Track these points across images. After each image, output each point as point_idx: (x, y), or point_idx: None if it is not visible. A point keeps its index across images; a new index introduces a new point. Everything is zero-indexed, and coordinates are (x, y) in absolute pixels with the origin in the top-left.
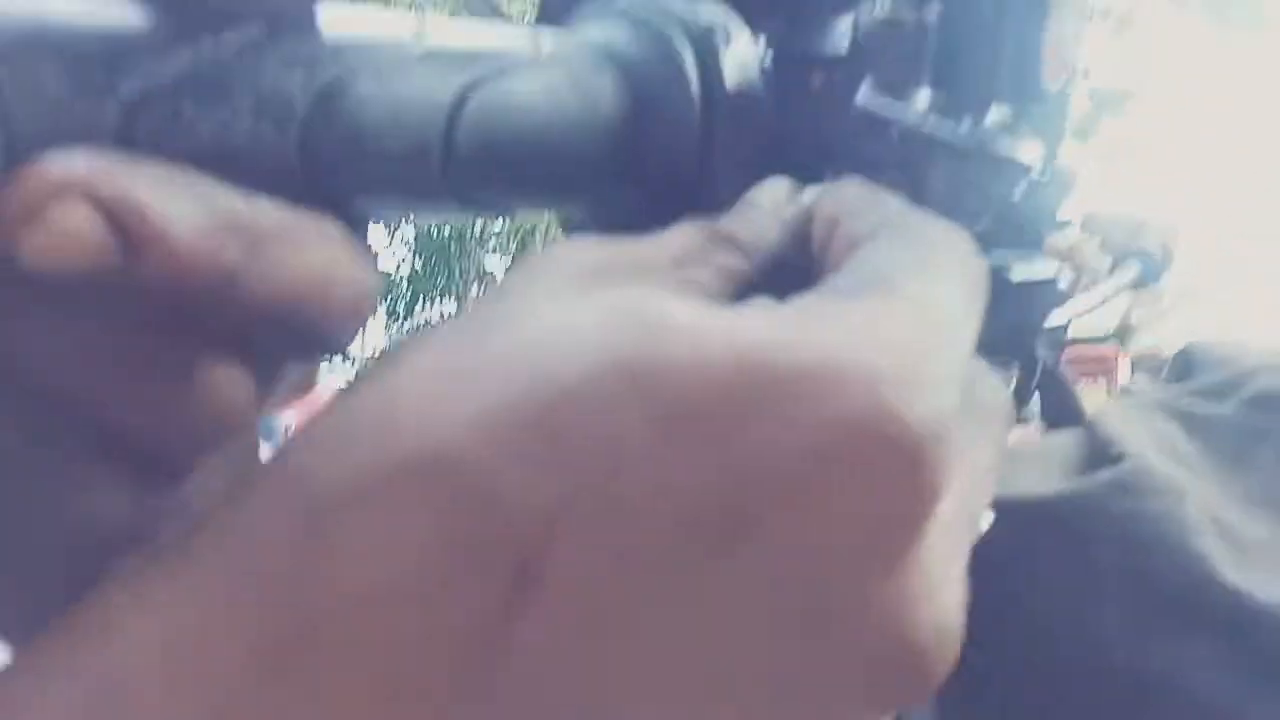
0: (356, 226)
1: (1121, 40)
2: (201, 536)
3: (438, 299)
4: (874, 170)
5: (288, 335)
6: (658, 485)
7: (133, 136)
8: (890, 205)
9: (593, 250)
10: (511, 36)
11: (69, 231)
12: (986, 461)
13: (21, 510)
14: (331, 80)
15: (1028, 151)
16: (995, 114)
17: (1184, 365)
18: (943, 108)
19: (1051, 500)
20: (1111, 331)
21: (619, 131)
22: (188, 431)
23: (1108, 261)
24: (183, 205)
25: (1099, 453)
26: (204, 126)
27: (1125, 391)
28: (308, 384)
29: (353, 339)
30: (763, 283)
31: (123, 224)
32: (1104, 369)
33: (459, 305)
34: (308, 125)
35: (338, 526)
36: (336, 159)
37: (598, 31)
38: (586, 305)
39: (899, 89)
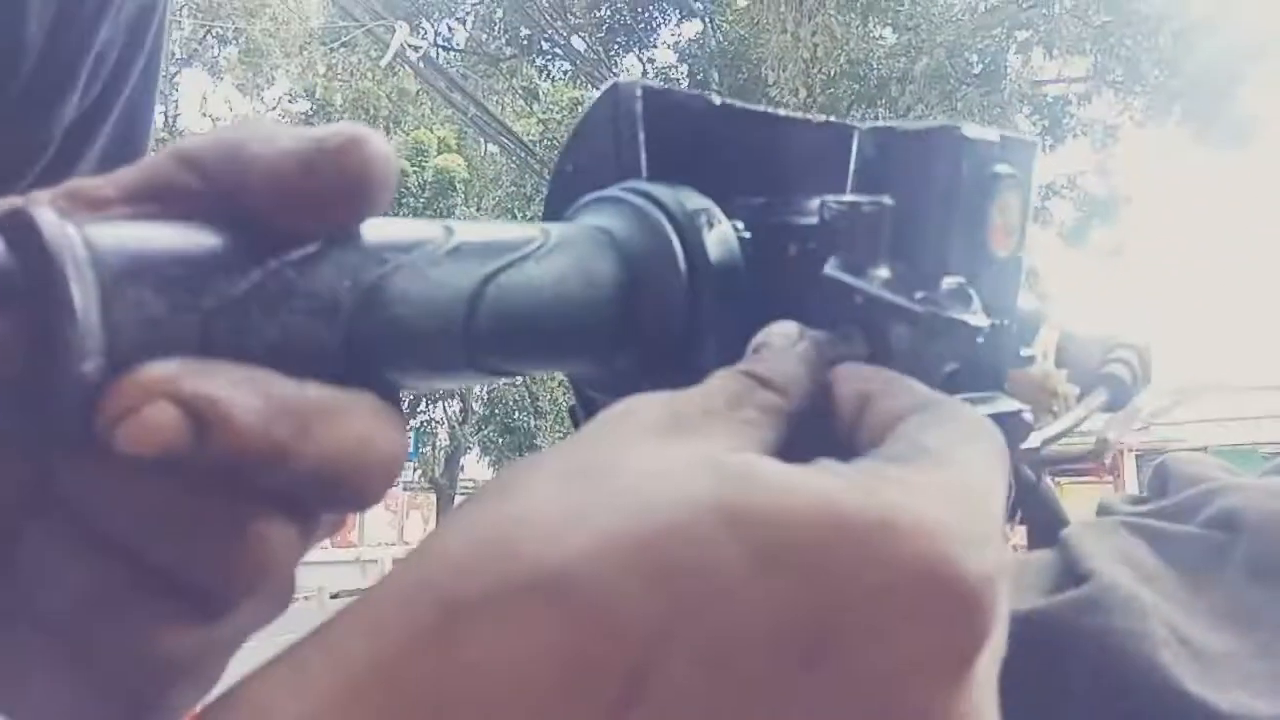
0: (390, 396)
1: (1107, 152)
2: (337, 626)
3: (440, 401)
4: (840, 332)
5: (329, 494)
6: (752, 609)
7: (210, 341)
8: (918, 387)
9: (663, 404)
10: (525, 230)
11: (158, 426)
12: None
13: (87, 639)
14: (373, 281)
15: (976, 315)
16: (949, 282)
17: (1159, 480)
18: (901, 279)
19: (1025, 617)
20: (1089, 448)
21: (617, 304)
22: (239, 577)
23: (1075, 390)
24: (244, 396)
25: (1069, 571)
26: (269, 328)
27: (1100, 509)
28: (339, 527)
29: (382, 496)
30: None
31: (197, 414)
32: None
33: (462, 408)
34: (352, 320)
35: (469, 628)
36: (375, 345)
37: (596, 219)
38: (678, 454)
39: (862, 264)
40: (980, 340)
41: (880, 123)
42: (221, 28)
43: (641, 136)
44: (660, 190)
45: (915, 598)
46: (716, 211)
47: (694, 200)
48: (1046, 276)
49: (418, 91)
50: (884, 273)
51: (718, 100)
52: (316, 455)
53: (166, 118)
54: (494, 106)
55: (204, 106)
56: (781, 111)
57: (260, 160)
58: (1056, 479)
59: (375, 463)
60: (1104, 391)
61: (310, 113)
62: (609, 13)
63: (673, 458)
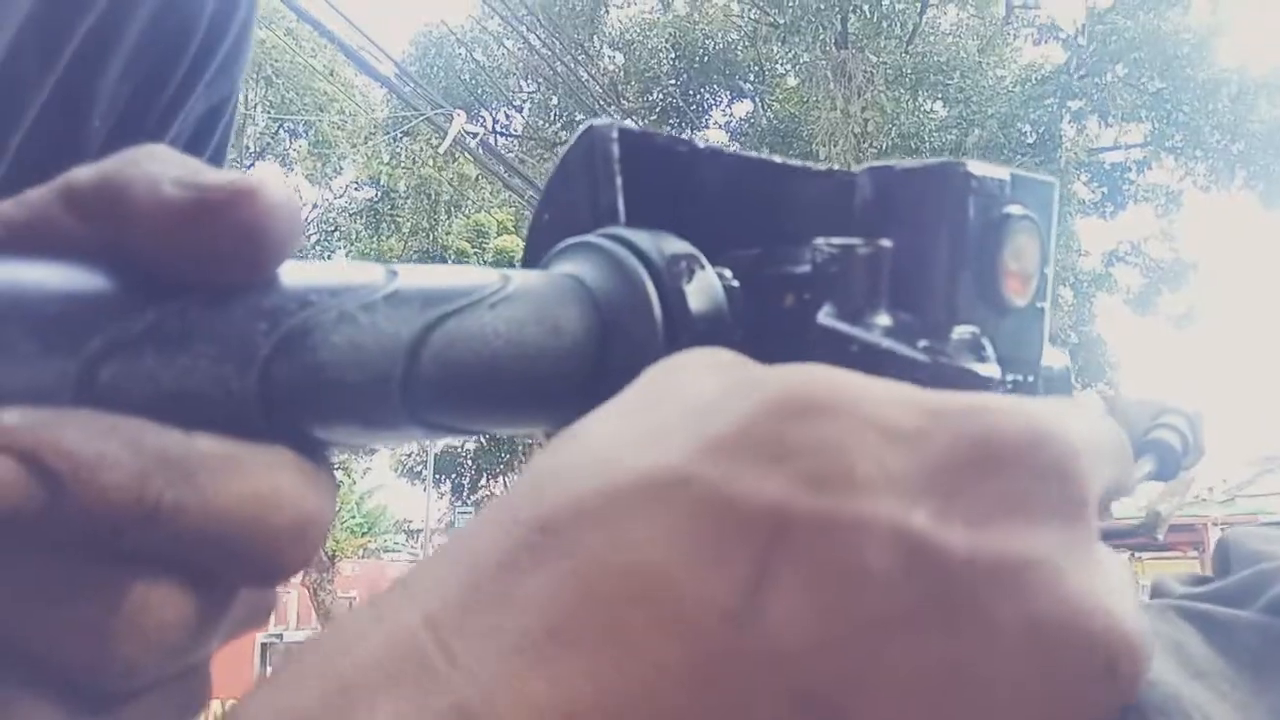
0: (317, 454)
1: (1171, 218)
2: (416, 573)
3: (501, 476)
4: None
5: (230, 560)
6: (867, 476)
7: (93, 387)
8: None
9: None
10: (482, 275)
11: None
12: None
13: None
14: (295, 326)
15: (986, 367)
16: (959, 331)
17: (1222, 557)
18: (904, 327)
19: None
20: (1140, 521)
21: (586, 356)
22: (120, 655)
23: None
24: (108, 447)
25: None
26: (165, 375)
27: (1154, 590)
28: (266, 610)
29: (300, 564)
30: None
31: (46, 469)
32: (1194, 540)
33: None
34: (268, 367)
35: (564, 541)
36: (296, 396)
37: (568, 266)
38: (775, 372)
39: (859, 311)
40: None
41: (880, 162)
42: (293, 122)
43: (619, 180)
44: (637, 236)
45: (1014, 458)
46: (700, 258)
47: (674, 246)
48: (1114, 344)
49: (477, 176)
50: (884, 320)
51: (702, 144)
52: (204, 514)
53: None
54: None
55: None
56: (778, 158)
57: (141, 210)
58: (1135, 555)
59: (284, 525)
60: (1150, 460)
61: (376, 199)
62: (660, 96)
63: (754, 369)
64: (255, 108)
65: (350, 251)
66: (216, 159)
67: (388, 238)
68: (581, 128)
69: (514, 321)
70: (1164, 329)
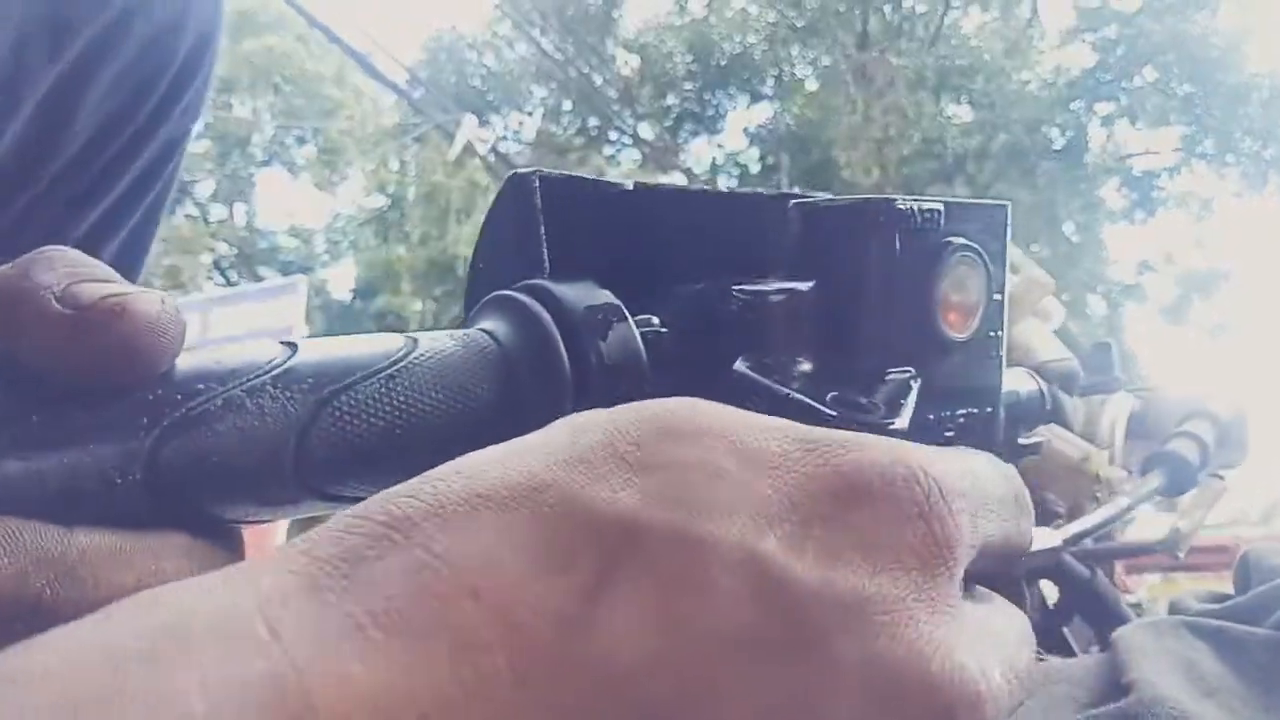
0: (219, 529)
1: (1204, 225)
2: (282, 547)
3: None
4: None
5: None
6: (721, 496)
7: None
8: None
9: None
10: (386, 343)
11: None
12: None
13: None
14: (179, 417)
15: (899, 420)
16: (893, 374)
17: (1242, 574)
18: (826, 373)
19: None
20: (1160, 540)
21: (494, 415)
22: None
23: (1122, 474)
24: None
25: (1111, 681)
26: (53, 473)
27: (1172, 608)
28: None
29: None
30: None
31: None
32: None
33: None
34: (153, 460)
35: (417, 535)
36: (184, 484)
37: (488, 321)
38: (646, 402)
39: (778, 357)
40: (949, 434)
41: (809, 197)
42: (300, 128)
43: (542, 230)
44: (556, 288)
45: (874, 496)
46: (617, 308)
47: (592, 298)
48: (1146, 357)
49: (488, 184)
50: (805, 367)
51: (630, 185)
52: (87, 607)
53: (247, 216)
54: None
55: (283, 204)
56: (710, 188)
57: (30, 323)
58: (1167, 574)
59: None
60: (1159, 475)
61: (385, 207)
62: (677, 100)
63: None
64: (263, 115)
65: (359, 260)
66: (165, 191)
67: (396, 246)
68: (507, 176)
69: (414, 389)
70: (1198, 340)
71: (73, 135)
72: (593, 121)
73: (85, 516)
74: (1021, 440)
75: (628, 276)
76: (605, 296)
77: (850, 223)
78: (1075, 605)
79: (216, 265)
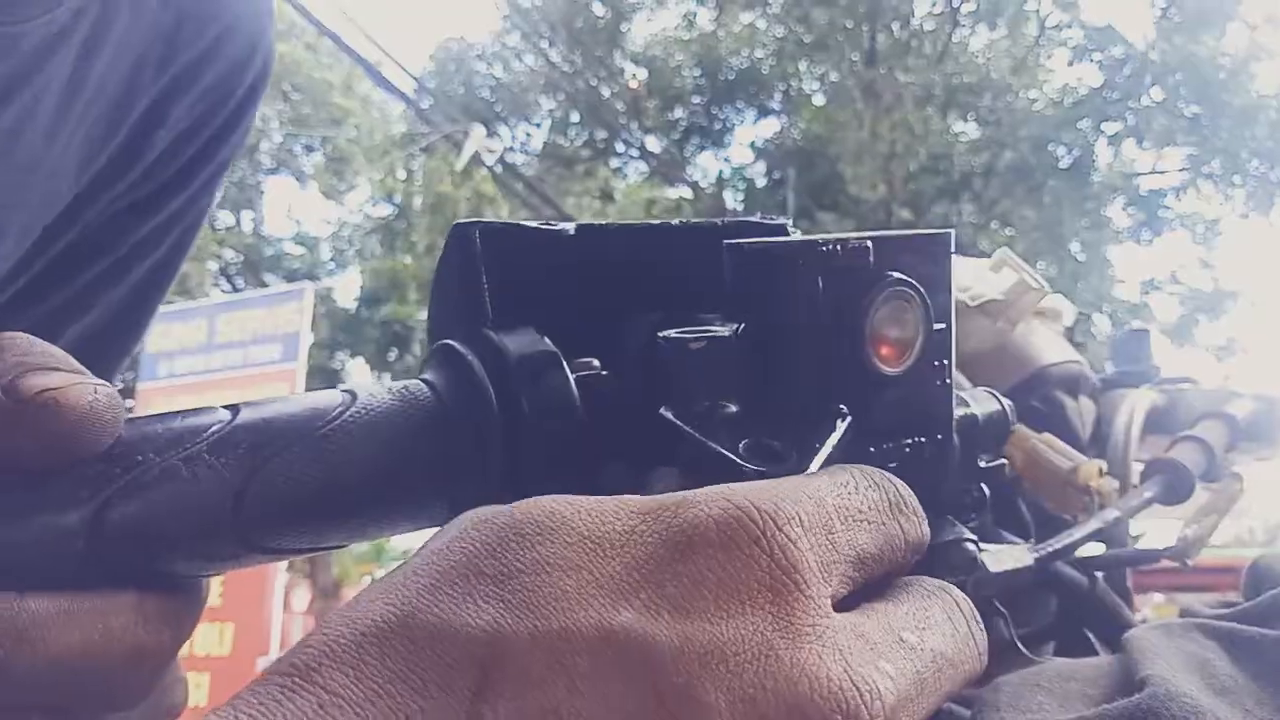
0: (170, 583)
1: (1210, 245)
2: (222, 706)
3: None
4: (690, 472)
5: (74, 697)
6: (574, 586)
7: None
8: None
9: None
10: (326, 400)
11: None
12: None
13: None
14: (117, 490)
15: (818, 459)
16: (825, 414)
17: (1252, 581)
18: (752, 417)
19: None
20: (1168, 548)
21: (429, 465)
22: None
23: (1114, 484)
24: None
25: (1126, 677)
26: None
27: (1182, 613)
28: (169, 711)
29: (143, 690)
30: None
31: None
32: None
33: None
34: (94, 529)
35: (316, 678)
36: (126, 548)
37: (431, 371)
38: (495, 509)
39: (704, 401)
40: (893, 465)
41: (739, 240)
42: (309, 136)
43: (483, 279)
44: (496, 337)
45: (713, 542)
46: (551, 355)
47: (529, 347)
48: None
49: (494, 195)
50: (731, 410)
51: (572, 228)
52: (38, 665)
53: (254, 223)
54: (570, 207)
55: (290, 211)
56: (655, 221)
57: None
58: (1172, 594)
59: (118, 662)
60: (1155, 484)
61: (391, 216)
62: (684, 114)
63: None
64: (270, 122)
65: (364, 269)
66: (208, 207)
67: (402, 255)
68: (451, 228)
69: (347, 446)
70: (1203, 360)
71: (151, 149)
72: (600, 134)
73: (34, 583)
74: (982, 462)
75: (572, 318)
76: (541, 344)
77: (773, 265)
78: (1076, 614)
79: (223, 272)
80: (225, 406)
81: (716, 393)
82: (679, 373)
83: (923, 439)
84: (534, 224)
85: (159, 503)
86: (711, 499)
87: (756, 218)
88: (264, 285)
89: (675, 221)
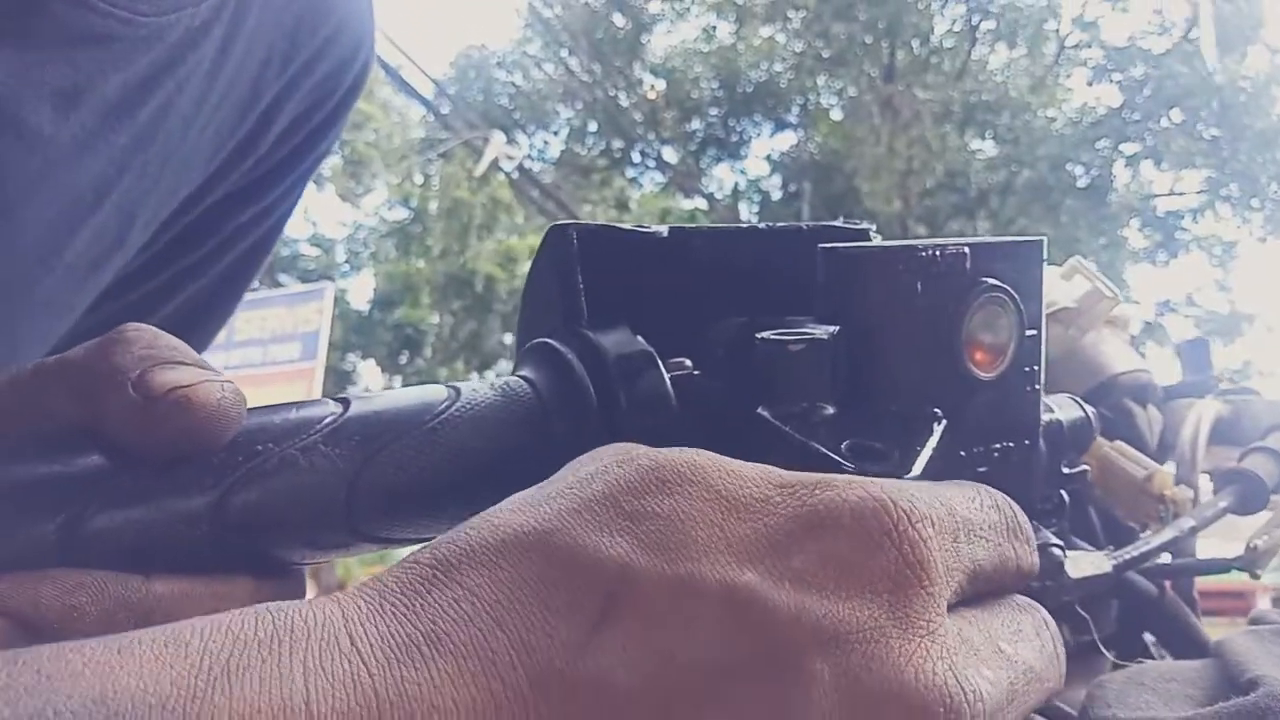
0: (283, 569)
1: (1227, 268)
2: (363, 585)
3: None
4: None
5: None
6: (705, 540)
7: (73, 544)
8: None
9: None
10: (431, 395)
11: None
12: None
13: None
14: (239, 478)
15: (919, 462)
16: (922, 413)
17: None
18: (850, 418)
19: None
20: (1237, 558)
21: (529, 460)
22: None
23: (1189, 493)
24: (76, 600)
25: (1229, 679)
26: (129, 529)
27: (1254, 620)
28: None
29: None
30: None
31: (29, 624)
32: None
33: None
34: (217, 516)
35: (455, 574)
36: (245, 535)
37: (528, 368)
38: (642, 450)
39: (802, 402)
40: (983, 470)
41: (835, 244)
42: None
43: (579, 280)
44: (592, 336)
45: (846, 527)
46: (648, 355)
47: (627, 346)
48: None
49: (510, 202)
50: (828, 412)
51: (665, 231)
52: None
53: None
54: (585, 216)
55: (306, 213)
56: (744, 224)
57: (107, 402)
58: (1205, 618)
59: None
60: (1229, 494)
61: (407, 220)
62: (701, 125)
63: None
64: None
65: (378, 271)
66: (299, 198)
67: (416, 259)
68: (548, 229)
69: (454, 439)
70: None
71: (264, 143)
72: (617, 143)
73: (159, 566)
74: (1065, 468)
75: (664, 319)
76: (637, 344)
77: (871, 271)
78: (1144, 624)
79: None
80: (335, 399)
81: (813, 394)
82: (777, 373)
83: (1011, 444)
84: (628, 226)
85: (278, 490)
86: (850, 486)
87: (840, 222)
88: (279, 285)
89: (763, 225)
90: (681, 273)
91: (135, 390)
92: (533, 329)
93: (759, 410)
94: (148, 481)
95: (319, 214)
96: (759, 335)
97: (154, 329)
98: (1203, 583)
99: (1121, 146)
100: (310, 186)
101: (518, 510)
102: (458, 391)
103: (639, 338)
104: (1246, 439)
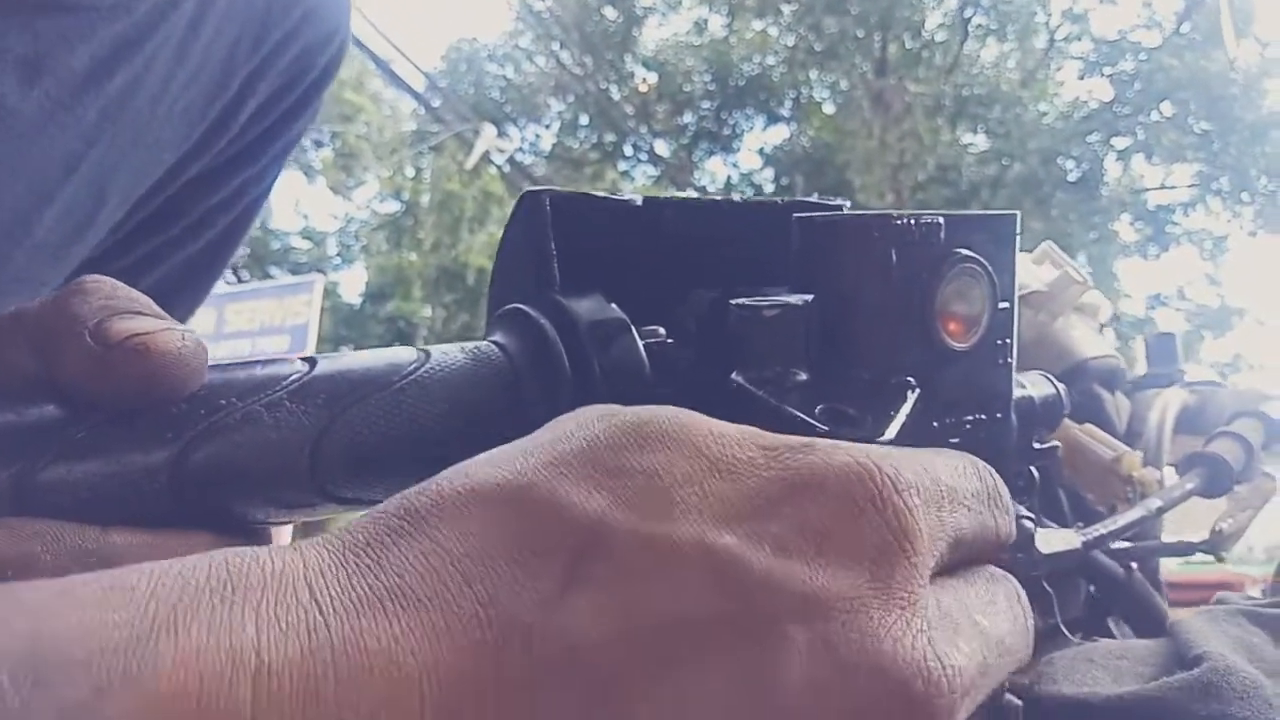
0: (244, 526)
1: (1217, 261)
2: (328, 535)
3: None
4: None
5: None
6: (684, 498)
7: (28, 493)
8: None
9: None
10: (399, 356)
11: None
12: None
13: None
14: (201, 430)
15: (893, 427)
16: (893, 381)
17: None
18: (823, 382)
19: (1127, 700)
20: (1202, 541)
21: (500, 424)
22: None
23: (1156, 474)
24: (30, 548)
25: (1177, 656)
26: (87, 479)
27: (1218, 601)
28: None
29: None
30: None
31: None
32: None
33: None
34: (177, 469)
35: (424, 525)
36: (207, 489)
37: (500, 333)
38: (622, 408)
39: (775, 368)
40: (954, 441)
41: (810, 211)
42: (319, 131)
43: (553, 246)
44: (566, 302)
45: (829, 492)
46: (621, 322)
47: (597, 312)
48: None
49: (502, 194)
50: (801, 378)
51: (639, 200)
52: None
53: (261, 216)
54: None
55: (297, 206)
56: (718, 196)
57: (64, 352)
58: (1173, 609)
59: None
60: (1195, 476)
61: (399, 212)
62: (694, 119)
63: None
64: None
65: (370, 264)
66: (275, 178)
67: (408, 252)
68: (520, 195)
69: (422, 401)
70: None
71: (237, 123)
72: (609, 137)
73: (117, 518)
74: (1036, 444)
75: (637, 288)
76: (610, 310)
77: (846, 239)
78: (1110, 604)
79: (230, 265)
80: (303, 358)
81: (787, 360)
82: (752, 339)
83: (983, 416)
84: (601, 194)
85: (240, 445)
86: (836, 451)
87: (814, 197)
88: (269, 278)
89: (737, 198)
90: (655, 242)
91: (92, 339)
92: (504, 295)
93: (733, 376)
94: (106, 431)
95: (310, 207)
96: (733, 301)
97: (113, 280)
98: (1190, 574)
99: (1112, 140)
100: (301, 178)
101: (492, 463)
102: (428, 354)
103: (612, 305)
104: (1211, 428)
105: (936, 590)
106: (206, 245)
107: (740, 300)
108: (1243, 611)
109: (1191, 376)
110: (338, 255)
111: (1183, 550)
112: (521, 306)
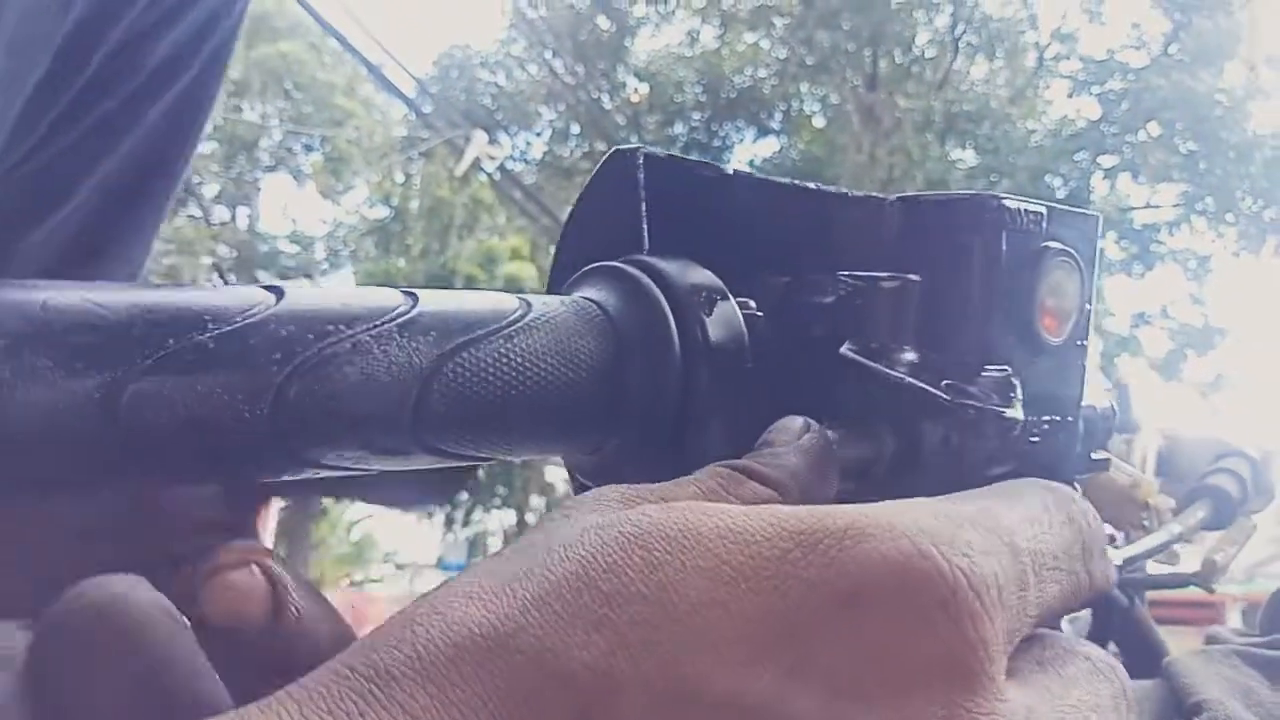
0: (332, 483)
1: (1201, 281)
2: (282, 696)
3: (497, 508)
4: (861, 419)
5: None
6: (705, 626)
7: (115, 411)
8: None
9: (626, 489)
10: (503, 301)
11: (247, 590)
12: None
13: None
14: (309, 356)
15: (1013, 408)
16: (990, 370)
17: (1273, 613)
18: (930, 365)
19: None
20: (1195, 573)
21: (603, 384)
22: None
23: (1170, 502)
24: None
25: (1175, 702)
26: (182, 400)
27: (1209, 639)
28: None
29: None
30: None
31: (275, 589)
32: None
33: (518, 515)
34: (280, 396)
35: (397, 692)
36: (307, 424)
37: (591, 292)
38: (623, 512)
39: (884, 346)
40: (1034, 440)
41: (910, 193)
42: (309, 135)
43: (643, 207)
44: (661, 263)
45: (887, 599)
46: (721, 290)
47: (696, 275)
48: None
49: (491, 202)
50: (910, 356)
51: (731, 169)
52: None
53: (250, 220)
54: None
55: (286, 210)
56: (811, 184)
57: None
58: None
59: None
60: (1204, 505)
61: (388, 218)
62: (684, 130)
63: (617, 514)
64: (271, 120)
65: (358, 270)
66: (196, 138)
67: (396, 258)
68: (609, 153)
69: (530, 351)
70: (1190, 395)
71: (145, 87)
72: (600, 145)
73: (211, 448)
74: (1094, 455)
75: (722, 259)
76: (708, 275)
77: (956, 218)
78: (1111, 633)
79: (216, 268)
80: (403, 291)
81: (896, 337)
82: (863, 312)
83: (1059, 418)
84: (694, 159)
85: (348, 377)
86: (886, 531)
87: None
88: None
89: (832, 189)
90: (738, 215)
91: None
92: (579, 254)
93: (843, 349)
94: (210, 348)
95: (299, 211)
96: (842, 274)
97: None
98: (1171, 593)
99: (1099, 159)
100: (290, 182)
101: (472, 599)
102: (529, 303)
103: (706, 271)
104: (1182, 471)
105: (1024, 690)
106: (154, 128)
107: (852, 273)
108: (1238, 652)
109: (1160, 411)
110: (326, 260)
111: (1178, 582)
112: (618, 264)
